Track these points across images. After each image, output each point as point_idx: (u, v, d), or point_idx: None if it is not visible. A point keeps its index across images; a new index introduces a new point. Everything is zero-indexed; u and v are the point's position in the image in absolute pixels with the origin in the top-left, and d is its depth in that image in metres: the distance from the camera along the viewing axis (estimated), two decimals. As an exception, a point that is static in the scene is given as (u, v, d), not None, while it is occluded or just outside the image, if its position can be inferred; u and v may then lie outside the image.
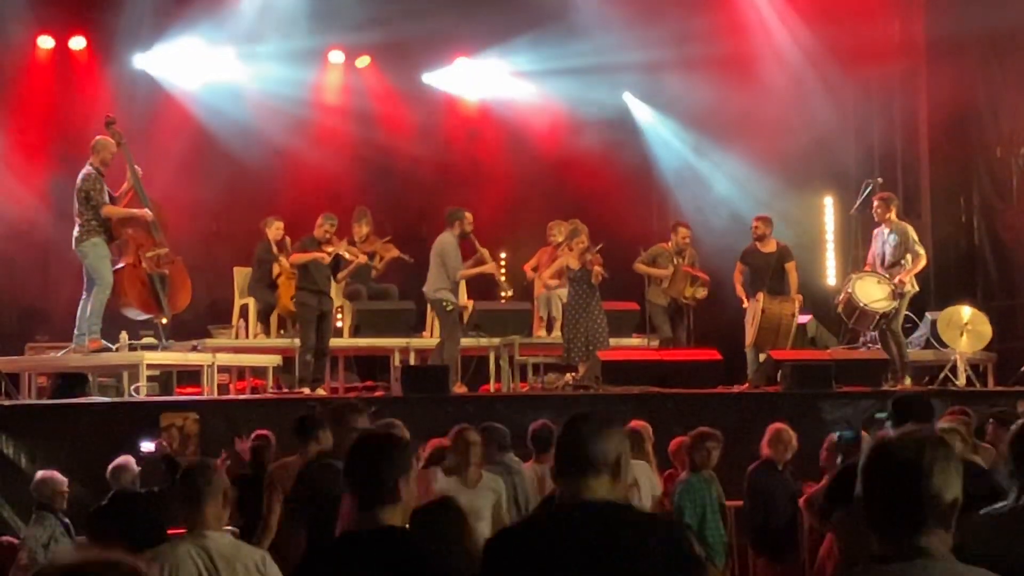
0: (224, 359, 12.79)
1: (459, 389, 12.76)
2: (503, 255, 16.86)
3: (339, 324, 14.05)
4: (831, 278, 16.44)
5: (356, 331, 13.82)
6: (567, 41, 16.34)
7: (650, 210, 17.55)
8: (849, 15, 15.31)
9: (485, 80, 17.51)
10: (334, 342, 13.32)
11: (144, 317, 12.45)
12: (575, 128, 16.89)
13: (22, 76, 15.59)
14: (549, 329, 14.15)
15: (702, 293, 14.00)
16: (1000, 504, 4.09)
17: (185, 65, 16.07)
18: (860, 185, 14.68)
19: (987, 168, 15.99)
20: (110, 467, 8.47)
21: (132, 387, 12.26)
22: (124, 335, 12.31)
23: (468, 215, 13.19)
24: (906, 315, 13.54)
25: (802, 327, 14.57)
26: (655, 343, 13.80)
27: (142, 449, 9.13)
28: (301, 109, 16.45)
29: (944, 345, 13.83)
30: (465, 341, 13.44)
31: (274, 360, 13.26)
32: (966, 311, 13.95)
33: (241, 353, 13.30)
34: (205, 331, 13.82)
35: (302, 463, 7.31)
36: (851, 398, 12.19)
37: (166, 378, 13.40)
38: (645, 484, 8.53)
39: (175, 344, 12.54)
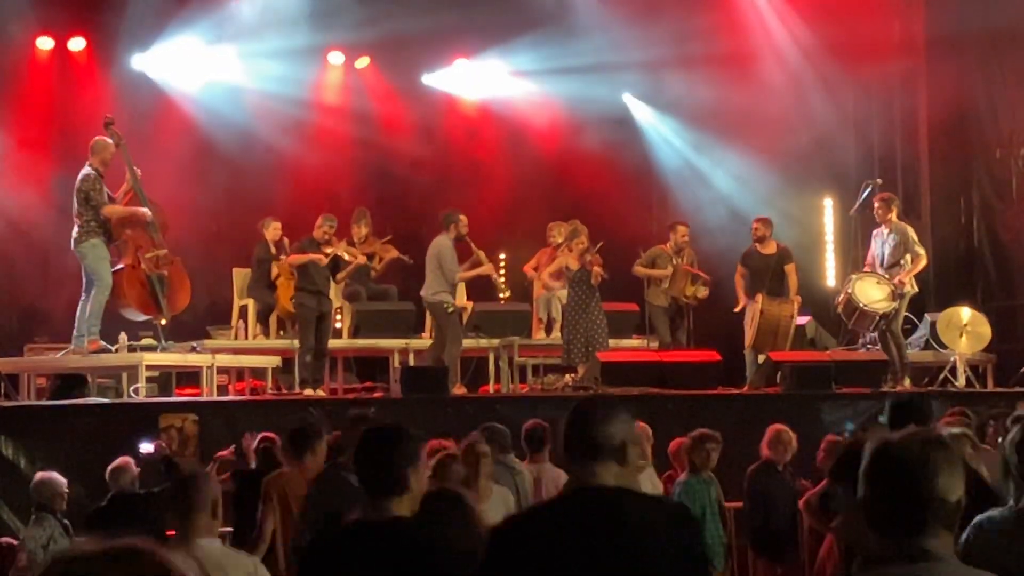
0: (223, 360, 12.78)
1: (459, 390, 12.76)
2: (502, 256, 16.86)
3: (338, 325, 14.05)
4: (830, 279, 16.43)
5: (355, 332, 13.82)
6: (566, 41, 16.33)
7: (650, 211, 17.55)
8: (849, 15, 15.30)
9: (484, 81, 17.51)
10: (333, 343, 13.32)
11: (143, 318, 12.44)
12: (575, 129, 16.89)
13: (22, 77, 15.58)
14: (548, 330, 14.16)
15: (703, 292, 13.99)
16: (999, 509, 4.08)
17: (184, 66, 16.06)
18: (860, 186, 14.68)
19: (987, 169, 15.99)
20: (109, 468, 8.47)
21: (131, 388, 12.27)
22: (123, 336, 12.30)
23: (463, 217, 13.18)
24: (905, 316, 13.54)
25: (801, 328, 14.57)
26: (655, 344, 13.80)
27: (141, 450, 9.15)
28: (300, 110, 16.45)
29: (943, 346, 13.83)
30: (465, 342, 13.44)
31: (273, 361, 13.26)
32: (965, 312, 13.95)
33: (240, 354, 13.29)
34: (204, 332, 13.82)
35: (300, 475, 7.30)
36: (850, 399, 12.19)
37: (165, 379, 13.41)
38: (646, 485, 8.52)
39: (174, 345, 12.53)
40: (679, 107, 16.96)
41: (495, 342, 13.55)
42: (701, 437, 8.87)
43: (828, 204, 16.77)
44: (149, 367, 12.17)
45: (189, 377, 13.31)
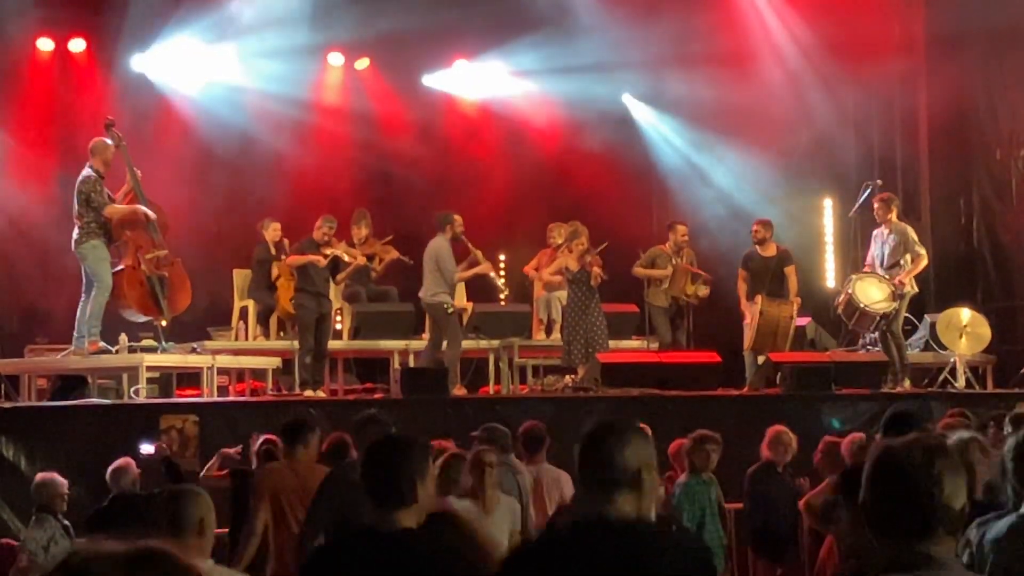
0: (224, 361, 12.78)
1: (459, 391, 12.77)
2: (502, 257, 16.86)
3: (339, 326, 14.05)
4: (830, 280, 16.44)
5: (356, 333, 13.82)
6: (566, 42, 16.33)
7: (650, 211, 17.56)
8: (849, 15, 15.30)
9: (484, 81, 17.51)
10: (334, 344, 13.32)
11: (143, 319, 12.45)
12: (574, 129, 16.89)
13: (22, 78, 15.58)
14: (549, 331, 14.16)
15: (704, 291, 13.99)
16: (1000, 515, 4.08)
17: (185, 67, 16.06)
18: (859, 187, 14.69)
19: (987, 170, 15.99)
20: (110, 469, 8.47)
21: (132, 389, 12.27)
22: (124, 337, 12.30)
23: (458, 218, 13.19)
24: (905, 317, 13.54)
25: (801, 329, 14.57)
26: (655, 345, 13.80)
27: (142, 451, 9.14)
28: (300, 111, 16.45)
29: (943, 347, 13.83)
30: (465, 343, 13.44)
31: (274, 362, 13.26)
32: (965, 313, 13.95)
33: (241, 355, 13.30)
34: (204, 333, 13.82)
35: (292, 469, 7.30)
36: (850, 400, 12.20)
37: (166, 380, 13.41)
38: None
39: (174, 346, 12.53)
40: (679, 107, 16.97)
41: (495, 343, 13.56)
42: (701, 438, 8.87)
43: (828, 205, 16.77)
44: (149, 368, 12.17)
45: (189, 378, 13.31)
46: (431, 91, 17.44)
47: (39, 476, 8.40)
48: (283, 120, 16.12)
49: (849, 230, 15.68)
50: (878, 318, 13.07)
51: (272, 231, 13.65)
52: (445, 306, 12.88)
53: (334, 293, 13.58)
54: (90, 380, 12.55)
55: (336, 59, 16.98)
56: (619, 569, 3.22)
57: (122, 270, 12.00)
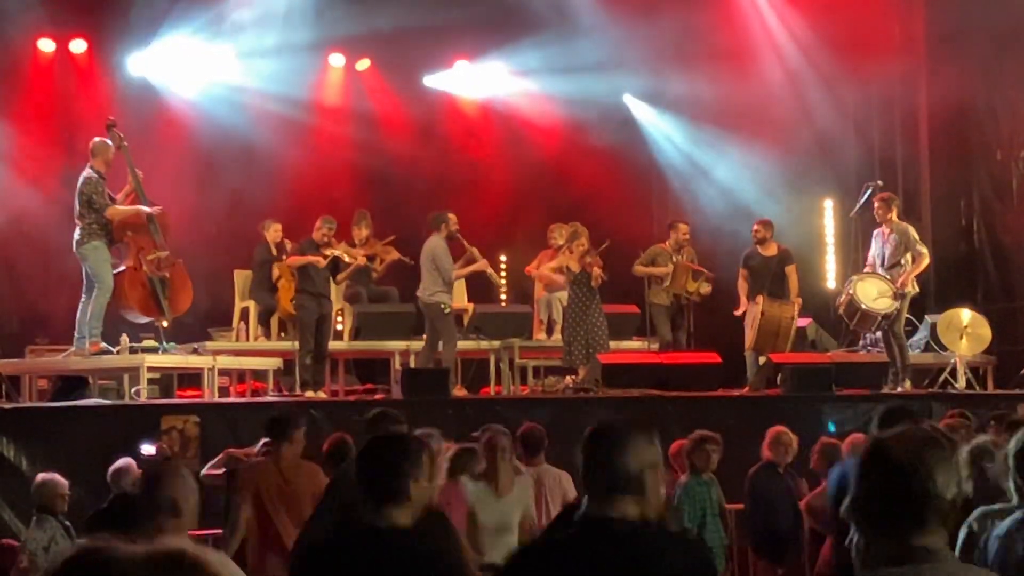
0: (225, 362, 12.79)
1: (459, 392, 12.78)
2: (503, 258, 16.86)
3: (339, 327, 14.05)
4: (831, 281, 16.44)
5: (356, 334, 13.82)
6: (567, 42, 16.34)
7: (650, 211, 17.57)
8: (849, 15, 15.30)
9: (485, 82, 17.52)
10: (334, 345, 13.32)
11: (145, 320, 12.45)
12: (575, 130, 16.90)
13: (23, 79, 15.59)
14: (549, 332, 14.16)
15: (706, 289, 13.97)
16: (1001, 511, 4.09)
17: (186, 69, 16.07)
18: (860, 188, 14.69)
19: (987, 170, 15.99)
20: (111, 470, 8.47)
21: (133, 390, 12.26)
22: (125, 338, 12.30)
23: (452, 216, 13.20)
24: (906, 318, 13.53)
25: (802, 330, 14.57)
26: (655, 346, 13.80)
27: (143, 452, 9.15)
28: (301, 112, 16.46)
29: (944, 348, 13.83)
30: (465, 344, 13.45)
31: (275, 363, 13.26)
32: (966, 314, 13.95)
33: (242, 356, 13.30)
34: (206, 334, 13.83)
35: (275, 465, 7.29)
36: (851, 401, 12.20)
37: (167, 381, 13.42)
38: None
39: (175, 347, 12.53)
40: (679, 107, 16.98)
41: (496, 344, 13.56)
42: (701, 439, 8.88)
43: (828, 206, 16.77)
44: (150, 369, 12.17)
45: (190, 379, 13.32)
46: (432, 91, 17.45)
47: (40, 476, 8.40)
48: (284, 121, 16.13)
49: (850, 231, 15.68)
50: (879, 318, 13.06)
51: (273, 232, 13.66)
52: (442, 306, 12.89)
53: (335, 294, 13.58)
54: (91, 381, 12.55)
55: (337, 60, 16.99)
56: (621, 571, 3.20)
57: (123, 271, 12.01)
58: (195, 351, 12.82)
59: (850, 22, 15.31)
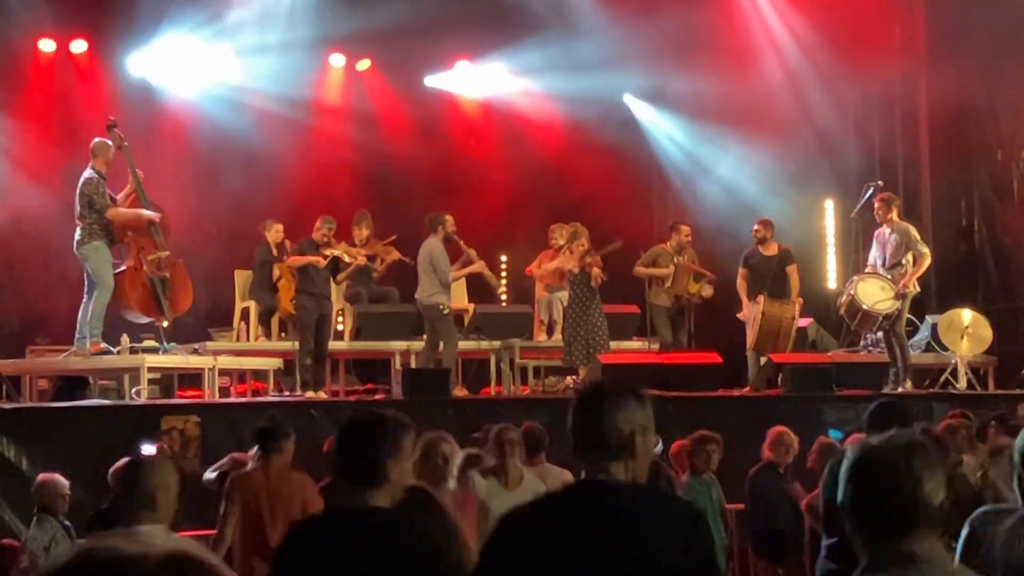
0: (225, 362, 12.79)
1: (460, 392, 12.78)
2: (503, 258, 16.87)
3: (340, 327, 14.05)
4: (832, 281, 16.44)
5: (357, 334, 13.82)
6: (567, 42, 16.35)
7: (650, 211, 17.57)
8: (850, 16, 15.31)
9: (485, 82, 17.53)
10: (335, 345, 13.32)
11: (145, 320, 12.44)
12: (575, 130, 16.91)
13: (24, 79, 15.60)
14: (550, 332, 14.16)
15: (708, 291, 13.97)
16: (1000, 511, 4.09)
17: (186, 69, 16.08)
18: (861, 188, 14.68)
19: (988, 171, 16.00)
20: (111, 470, 8.46)
21: (133, 390, 12.27)
22: (125, 338, 12.30)
23: (449, 218, 13.20)
24: (907, 318, 13.53)
25: (803, 330, 14.57)
26: (656, 346, 13.80)
27: (143, 452, 9.12)
28: (302, 112, 16.46)
29: (945, 348, 13.83)
30: (466, 344, 13.45)
31: (275, 363, 13.26)
32: (967, 314, 13.95)
33: (242, 356, 13.29)
34: (206, 334, 13.83)
35: (264, 475, 7.27)
36: (852, 401, 12.19)
37: (167, 381, 13.42)
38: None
39: (176, 347, 12.53)
40: (680, 108, 16.99)
41: (496, 344, 13.56)
42: (702, 439, 8.88)
43: (829, 206, 16.78)
44: (151, 369, 12.16)
45: (191, 379, 13.32)
46: (432, 92, 17.46)
47: (40, 477, 8.40)
48: (284, 121, 16.14)
49: (850, 231, 15.67)
50: (880, 319, 13.06)
51: (274, 232, 13.65)
52: (441, 307, 12.88)
53: (335, 294, 13.58)
54: (91, 381, 12.56)
55: (337, 60, 17.00)
56: (607, 528, 3.18)
57: (124, 271, 12.01)
58: (195, 351, 12.82)
59: (850, 22, 15.31)
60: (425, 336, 13.18)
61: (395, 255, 14.26)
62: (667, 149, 17.49)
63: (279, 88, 16.12)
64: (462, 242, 13.41)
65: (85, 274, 11.94)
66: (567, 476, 8.00)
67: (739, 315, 13.81)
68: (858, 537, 2.82)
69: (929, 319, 14.38)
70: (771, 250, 13.78)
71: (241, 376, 13.59)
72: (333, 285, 13.36)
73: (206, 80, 16.22)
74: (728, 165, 16.65)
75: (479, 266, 13.57)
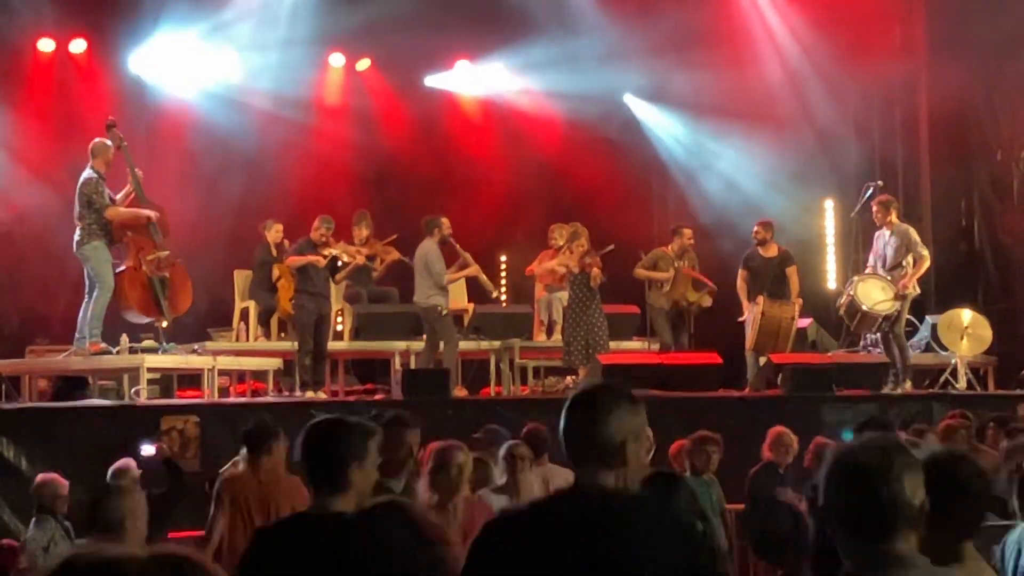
0: (225, 362, 12.78)
1: (459, 392, 12.77)
2: (503, 258, 16.86)
3: (339, 327, 14.04)
4: (831, 282, 16.43)
5: (357, 334, 13.82)
6: (568, 43, 16.35)
7: (650, 212, 17.57)
8: (850, 18, 15.30)
9: (485, 82, 17.53)
10: (334, 345, 13.31)
11: (145, 320, 12.44)
12: (575, 130, 16.90)
13: (23, 79, 15.59)
14: (549, 332, 14.16)
15: (707, 302, 13.98)
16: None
17: (185, 69, 16.07)
18: (860, 188, 14.68)
19: (987, 171, 15.99)
20: (110, 470, 8.46)
21: (133, 390, 12.26)
22: (125, 338, 12.30)
23: (445, 220, 13.18)
24: (907, 318, 13.53)
25: (802, 331, 14.56)
26: (655, 346, 13.80)
27: (143, 452, 9.12)
28: (301, 112, 16.45)
29: (944, 348, 13.83)
30: (466, 344, 13.44)
31: (275, 363, 13.25)
32: (966, 314, 13.94)
33: (242, 356, 13.29)
34: (206, 334, 13.83)
35: (254, 476, 7.23)
36: (851, 402, 12.19)
37: (167, 381, 13.41)
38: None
39: (175, 347, 12.53)
40: (679, 108, 16.98)
41: (496, 344, 13.56)
42: (702, 439, 8.87)
43: (829, 206, 16.77)
44: (150, 369, 12.16)
45: (190, 379, 13.32)
46: (432, 92, 17.46)
47: (39, 477, 8.39)
48: (284, 121, 16.13)
49: (850, 231, 15.67)
50: (880, 319, 13.05)
51: (274, 232, 13.65)
52: (439, 308, 12.88)
53: (335, 294, 13.57)
54: (91, 381, 12.55)
55: (337, 59, 16.99)
56: (595, 537, 3.15)
57: (123, 271, 12.00)
58: (195, 351, 12.82)
59: (851, 22, 15.31)
60: (425, 337, 13.17)
61: (395, 255, 14.25)
62: (667, 149, 17.49)
63: (279, 88, 16.11)
64: (458, 246, 13.40)
65: (85, 274, 11.93)
66: (571, 476, 7.99)
67: (741, 319, 13.80)
68: (840, 539, 2.82)
69: (929, 319, 14.37)
70: (771, 252, 13.77)
71: (241, 376, 13.58)
72: (332, 285, 13.35)
73: (206, 80, 16.21)
74: (728, 165, 16.64)
75: (474, 270, 13.57)
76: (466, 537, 6.07)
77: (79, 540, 7.94)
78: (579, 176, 16.41)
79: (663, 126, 17.54)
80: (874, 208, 13.35)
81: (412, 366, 13.10)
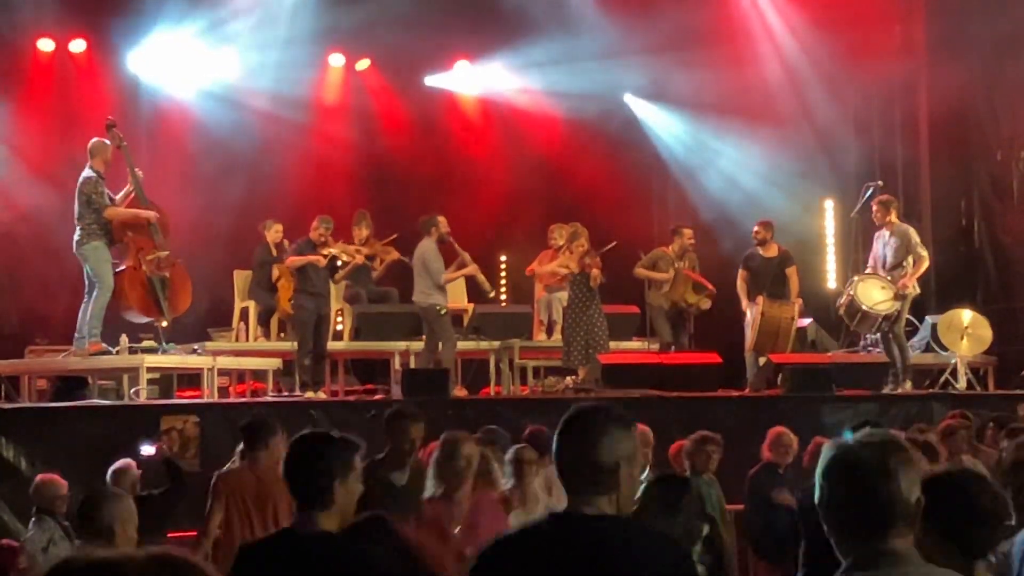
0: (224, 362, 12.78)
1: (459, 392, 12.76)
2: (503, 258, 16.85)
3: (339, 327, 14.04)
4: (831, 282, 16.43)
5: (356, 334, 13.81)
6: (567, 43, 16.34)
7: (650, 211, 17.57)
8: (850, 18, 15.30)
9: (485, 82, 17.53)
10: (334, 345, 13.31)
11: (144, 320, 12.44)
12: (575, 130, 16.90)
13: (23, 79, 15.59)
14: (549, 332, 14.15)
15: (706, 304, 13.97)
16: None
17: (185, 69, 16.07)
18: (860, 188, 14.68)
19: (987, 171, 15.99)
20: (110, 470, 8.45)
21: (132, 390, 12.26)
22: (124, 338, 12.29)
23: (442, 219, 13.16)
24: (906, 318, 13.53)
25: (802, 331, 14.56)
26: (655, 346, 13.80)
27: (142, 452, 9.11)
28: (301, 112, 16.45)
29: (944, 348, 13.83)
30: (465, 344, 13.44)
31: (274, 363, 13.24)
32: (966, 314, 13.94)
33: (241, 356, 13.29)
34: (205, 334, 13.82)
35: (252, 472, 7.21)
36: (851, 402, 12.19)
37: (166, 381, 13.40)
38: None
39: (175, 347, 12.52)
40: (679, 108, 16.97)
41: (496, 344, 13.55)
42: (702, 439, 8.87)
43: (829, 206, 16.77)
44: (150, 369, 12.17)
45: (190, 379, 13.31)
46: (432, 92, 17.46)
47: (39, 477, 8.38)
48: (284, 121, 16.12)
49: (850, 231, 15.67)
50: (880, 319, 13.05)
51: (273, 232, 13.65)
52: (438, 308, 12.87)
53: (334, 294, 13.57)
54: (90, 381, 12.53)
55: (337, 60, 16.99)
56: (587, 562, 3.13)
57: (123, 271, 12.00)
58: (195, 351, 12.81)
59: (850, 22, 15.30)
60: (424, 337, 13.17)
61: (394, 255, 14.24)
62: (667, 148, 17.49)
63: (279, 87, 16.10)
64: (457, 245, 13.39)
65: (85, 274, 11.93)
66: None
67: (744, 308, 13.80)
68: (836, 536, 2.82)
69: (929, 319, 14.37)
70: (771, 252, 13.77)
71: (240, 376, 13.58)
72: (332, 285, 13.34)
73: (205, 80, 16.20)
74: (728, 165, 16.64)
75: (472, 270, 13.56)
76: (471, 530, 6.07)
77: (79, 541, 7.95)
78: (579, 176, 16.41)
79: (663, 125, 17.54)
80: (874, 207, 13.35)
81: (412, 366, 13.10)
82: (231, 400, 12.63)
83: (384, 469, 6.69)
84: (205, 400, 11.96)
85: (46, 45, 15.72)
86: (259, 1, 16.02)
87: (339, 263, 13.32)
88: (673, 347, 13.86)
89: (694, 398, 11.99)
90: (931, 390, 13.39)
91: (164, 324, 12.54)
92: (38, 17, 15.16)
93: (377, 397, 13.03)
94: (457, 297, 14.09)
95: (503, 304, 15.80)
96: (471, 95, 17.70)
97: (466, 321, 13.93)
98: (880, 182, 14.57)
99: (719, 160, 16.78)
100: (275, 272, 13.46)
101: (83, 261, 11.86)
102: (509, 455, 7.18)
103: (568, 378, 13.33)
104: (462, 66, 17.48)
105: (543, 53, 16.48)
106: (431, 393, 11.61)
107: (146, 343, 12.51)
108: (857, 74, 15.97)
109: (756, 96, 16.12)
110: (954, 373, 13.52)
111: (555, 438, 3.34)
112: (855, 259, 15.14)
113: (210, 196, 14.97)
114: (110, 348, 11.94)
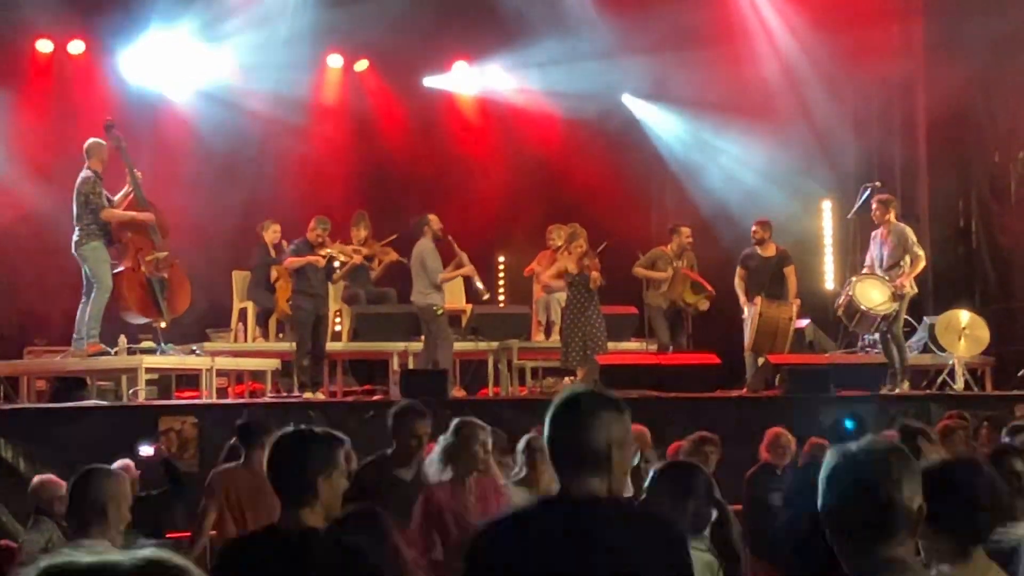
0: (223, 363, 12.79)
1: (457, 393, 12.77)
2: (501, 259, 16.85)
3: (338, 328, 14.04)
4: (829, 282, 16.44)
5: (355, 335, 13.82)
6: (566, 43, 16.35)
7: (649, 212, 17.57)
8: (849, 19, 15.31)
9: (483, 83, 17.53)
10: (333, 346, 13.31)
11: (143, 321, 12.44)
12: (573, 130, 16.91)
13: (22, 80, 15.59)
14: (548, 333, 14.16)
15: (704, 305, 13.98)
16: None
17: (183, 70, 16.07)
18: (858, 189, 14.69)
19: (985, 172, 15.99)
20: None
21: (131, 391, 12.27)
22: (123, 339, 12.30)
23: (433, 217, 13.14)
24: (904, 319, 13.53)
25: (800, 331, 14.57)
26: (653, 347, 13.80)
27: (141, 453, 9.13)
28: (299, 113, 16.45)
29: (942, 349, 13.83)
30: (464, 345, 13.44)
31: (273, 364, 13.25)
32: (964, 315, 13.95)
33: (240, 357, 13.30)
34: (204, 335, 13.83)
35: (247, 471, 7.21)
36: (849, 402, 12.19)
37: (165, 382, 13.41)
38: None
39: (174, 348, 12.53)
40: (678, 108, 16.98)
41: (494, 345, 13.56)
42: (700, 440, 8.87)
43: (827, 207, 16.78)
44: (149, 370, 12.17)
45: (189, 380, 13.31)
46: (430, 92, 17.46)
47: (37, 478, 8.39)
48: (282, 121, 16.12)
49: (848, 232, 15.68)
50: (878, 320, 13.06)
51: (272, 233, 13.66)
52: (435, 307, 12.88)
53: (332, 295, 13.57)
54: (89, 382, 12.54)
55: (335, 60, 16.99)
56: (580, 544, 3.14)
57: (122, 272, 12.01)
58: (193, 352, 12.81)
59: (849, 22, 15.31)
60: (423, 337, 13.17)
61: (393, 256, 14.25)
62: (666, 149, 17.49)
63: (277, 88, 16.10)
64: (455, 244, 13.39)
65: (84, 275, 11.93)
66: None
67: (742, 304, 13.81)
68: (837, 542, 2.82)
69: (927, 320, 14.38)
70: (769, 251, 13.79)
71: (239, 377, 13.59)
72: (330, 285, 13.35)
73: (204, 81, 16.20)
74: (726, 165, 16.65)
75: (469, 270, 13.56)
76: (484, 516, 6.09)
77: (70, 526, 7.95)
78: (578, 176, 16.41)
79: (662, 125, 17.55)
80: (874, 206, 13.36)
81: (410, 367, 13.10)
82: (230, 401, 12.63)
83: (391, 465, 6.70)
84: (203, 401, 11.97)
85: (45, 46, 15.73)
86: (257, 2, 16.01)
87: (337, 264, 13.32)
88: (671, 348, 13.86)
89: (692, 399, 12.00)
90: (929, 391, 13.40)
91: (163, 325, 12.55)
92: (37, 18, 15.16)
93: (376, 398, 13.03)
94: (455, 298, 14.09)
95: (501, 305, 15.81)
96: (469, 96, 17.71)
97: (464, 322, 13.93)
98: (878, 183, 14.58)
99: (717, 160, 16.79)
100: (273, 273, 13.47)
101: (82, 262, 11.86)
102: (521, 444, 7.23)
103: (566, 379, 13.33)
104: (460, 67, 17.49)
105: (541, 53, 16.48)
106: (429, 394, 11.60)
107: (145, 344, 12.52)
108: (856, 74, 15.98)
109: (755, 96, 16.13)
110: (952, 374, 13.52)
111: (547, 421, 3.33)
112: (853, 260, 15.15)
113: (208, 197, 14.97)
114: (109, 349, 11.95)
